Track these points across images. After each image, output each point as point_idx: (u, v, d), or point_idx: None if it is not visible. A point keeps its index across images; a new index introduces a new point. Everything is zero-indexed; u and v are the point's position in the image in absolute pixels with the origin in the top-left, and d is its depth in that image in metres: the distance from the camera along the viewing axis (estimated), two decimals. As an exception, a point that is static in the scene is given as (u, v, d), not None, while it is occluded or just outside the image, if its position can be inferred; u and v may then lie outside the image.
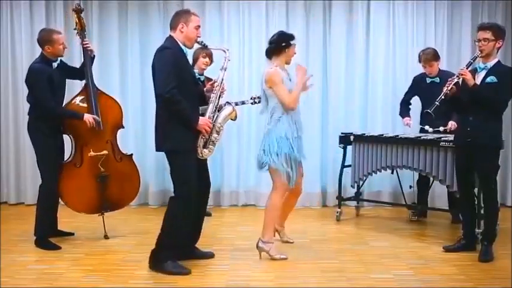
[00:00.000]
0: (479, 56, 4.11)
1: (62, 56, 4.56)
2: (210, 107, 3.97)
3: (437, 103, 4.09)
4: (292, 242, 4.57)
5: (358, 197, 5.75)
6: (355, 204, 5.87)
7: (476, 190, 4.82)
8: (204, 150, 3.93)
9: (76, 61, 5.69)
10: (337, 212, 5.54)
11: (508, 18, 6.20)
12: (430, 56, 5.14)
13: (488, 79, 4.07)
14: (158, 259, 3.89)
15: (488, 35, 4.04)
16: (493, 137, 4.11)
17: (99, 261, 4.18)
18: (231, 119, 4.14)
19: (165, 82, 3.67)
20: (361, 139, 5.33)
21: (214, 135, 3.96)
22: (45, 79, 4.37)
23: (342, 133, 5.56)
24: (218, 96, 4.00)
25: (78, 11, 4.71)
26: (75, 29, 4.73)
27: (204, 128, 3.83)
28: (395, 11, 6.18)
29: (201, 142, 3.90)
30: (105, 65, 6.11)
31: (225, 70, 4.05)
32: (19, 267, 4.03)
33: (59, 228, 4.78)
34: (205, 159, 4.13)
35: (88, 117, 4.46)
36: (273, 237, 4.25)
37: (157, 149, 3.91)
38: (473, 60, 4.15)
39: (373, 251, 4.46)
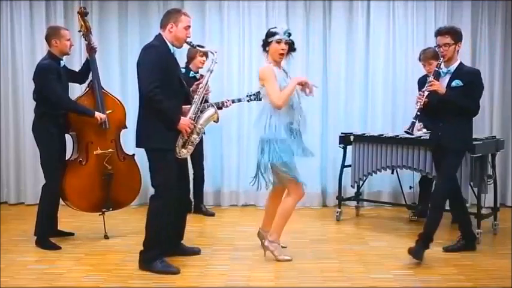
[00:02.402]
0: (443, 61, 4.08)
1: (68, 53, 4.59)
2: (193, 108, 3.95)
3: (414, 120, 4.06)
4: (285, 247, 4.40)
5: (358, 197, 5.76)
6: (355, 204, 5.87)
7: (475, 190, 4.84)
8: (183, 150, 3.93)
9: (76, 61, 5.71)
10: (337, 212, 5.55)
11: (508, 18, 6.21)
12: (429, 55, 5.15)
13: (454, 83, 4.05)
14: (146, 259, 3.92)
15: (447, 39, 4.03)
16: (463, 141, 4.13)
17: (99, 261, 4.18)
18: (214, 121, 4.11)
19: (148, 81, 3.73)
20: (361, 139, 5.33)
21: (194, 136, 3.95)
22: (56, 75, 4.42)
23: (342, 133, 5.57)
24: (202, 97, 3.99)
25: (83, 14, 4.76)
26: (79, 30, 4.76)
27: (185, 128, 3.85)
28: (395, 11, 6.18)
29: (179, 142, 3.90)
30: (105, 65, 6.10)
31: (211, 72, 4.03)
32: (19, 267, 4.03)
33: (59, 228, 4.78)
34: (186, 160, 4.15)
35: (99, 114, 4.54)
36: (279, 239, 4.23)
37: (137, 146, 3.97)
38: (439, 68, 4.10)
39: (373, 251, 4.46)
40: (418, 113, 4.06)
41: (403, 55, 6.18)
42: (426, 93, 4.04)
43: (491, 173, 4.87)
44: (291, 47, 4.16)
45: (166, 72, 3.78)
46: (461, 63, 4.15)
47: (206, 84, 4.00)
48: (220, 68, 6.16)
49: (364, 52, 6.24)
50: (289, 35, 4.13)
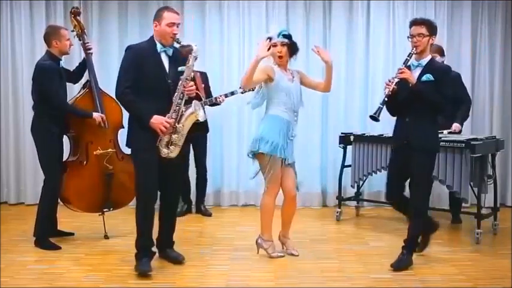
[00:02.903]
0: (414, 52, 3.94)
1: (67, 53, 4.59)
2: (172, 107, 3.82)
3: (381, 105, 3.91)
4: (297, 255, 4.30)
5: (358, 197, 5.76)
6: (355, 204, 5.88)
7: (475, 190, 4.81)
8: (164, 150, 3.82)
9: (75, 61, 5.70)
10: (337, 212, 5.55)
11: (508, 18, 6.21)
12: (433, 50, 5.12)
13: (424, 77, 3.90)
14: (136, 259, 3.89)
15: (423, 30, 3.90)
16: (429, 139, 3.94)
17: (99, 261, 4.18)
18: (197, 120, 3.94)
19: (119, 83, 3.79)
20: (361, 139, 5.33)
21: (175, 135, 3.83)
22: (57, 76, 4.42)
23: (342, 133, 5.57)
24: (180, 95, 3.83)
25: (76, 14, 4.74)
26: (73, 31, 4.74)
27: (158, 127, 3.74)
28: (395, 11, 6.19)
29: (163, 142, 3.82)
30: (105, 65, 6.11)
31: (190, 68, 3.86)
32: (19, 267, 4.03)
33: (59, 228, 4.78)
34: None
35: (97, 116, 4.55)
36: (271, 236, 4.26)
37: (126, 145, 4.01)
38: (410, 57, 3.96)
39: (373, 251, 4.46)
40: (386, 99, 3.91)
41: (403, 55, 6.08)
42: (396, 80, 3.89)
43: (491, 173, 4.87)
44: (292, 48, 4.19)
45: (143, 72, 3.75)
46: (432, 58, 4.02)
47: (184, 80, 3.84)
48: (220, 68, 6.19)
49: (364, 52, 6.24)
50: (285, 36, 4.13)
